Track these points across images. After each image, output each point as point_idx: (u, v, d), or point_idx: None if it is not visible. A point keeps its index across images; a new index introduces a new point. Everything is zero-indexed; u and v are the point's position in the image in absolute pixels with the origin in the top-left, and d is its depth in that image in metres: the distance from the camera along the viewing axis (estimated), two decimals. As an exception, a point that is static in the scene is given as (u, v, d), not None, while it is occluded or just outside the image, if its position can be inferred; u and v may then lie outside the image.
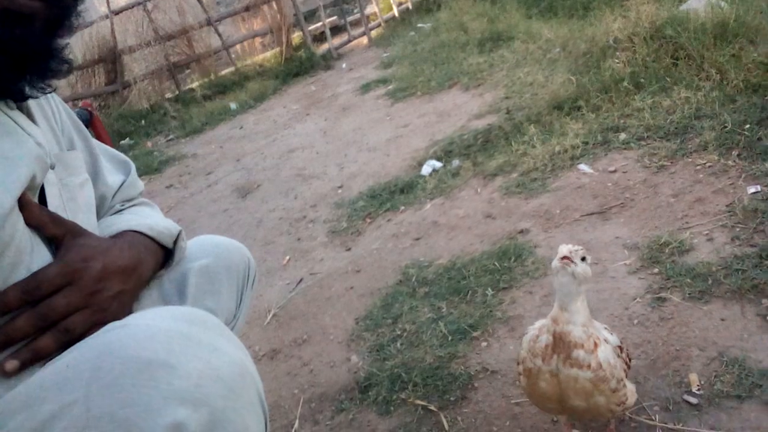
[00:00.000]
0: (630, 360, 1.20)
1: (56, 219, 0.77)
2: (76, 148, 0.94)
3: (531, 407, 1.41)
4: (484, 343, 1.68)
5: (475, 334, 1.71)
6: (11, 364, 0.68)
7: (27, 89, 0.75)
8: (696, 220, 1.87)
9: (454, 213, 2.47)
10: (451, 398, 1.52)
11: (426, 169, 3.00)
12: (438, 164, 3.00)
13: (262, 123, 5.83)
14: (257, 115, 6.31)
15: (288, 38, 7.57)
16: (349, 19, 7.65)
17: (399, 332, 1.84)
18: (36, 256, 0.73)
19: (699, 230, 1.81)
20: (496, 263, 1.99)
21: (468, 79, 4.25)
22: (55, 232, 0.76)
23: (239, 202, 3.74)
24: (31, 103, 0.82)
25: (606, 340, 1.11)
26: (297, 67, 7.26)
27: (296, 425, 1.62)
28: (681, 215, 1.92)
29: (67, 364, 0.62)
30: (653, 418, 1.28)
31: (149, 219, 0.98)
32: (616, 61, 3.03)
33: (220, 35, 7.39)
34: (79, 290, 0.74)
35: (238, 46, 7.89)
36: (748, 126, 2.18)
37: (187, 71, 7.96)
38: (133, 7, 6.74)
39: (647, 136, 2.45)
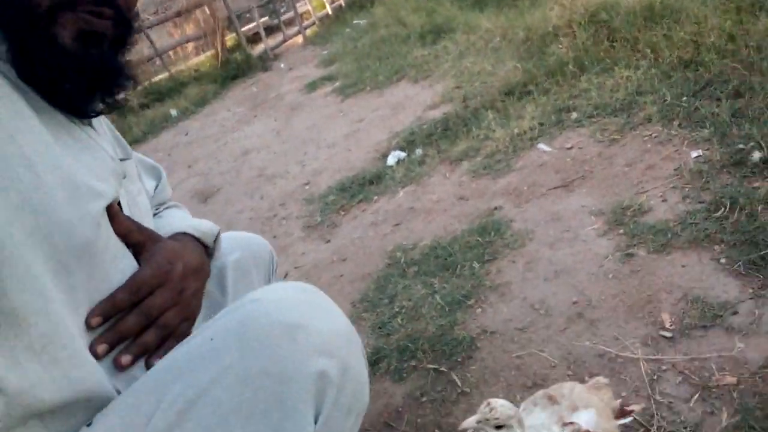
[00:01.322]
0: (630, 410, 1.11)
1: (139, 226, 0.85)
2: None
3: (531, 357, 1.59)
4: (479, 310, 1.85)
5: (469, 302, 1.88)
6: (126, 359, 0.75)
7: (98, 106, 0.80)
8: (650, 184, 2.10)
9: (428, 198, 2.63)
10: (458, 359, 1.67)
11: (391, 160, 3.13)
12: (402, 154, 3.15)
13: (208, 128, 5.79)
14: (201, 120, 6.25)
15: (222, 41, 7.51)
16: (283, 18, 7.67)
17: (398, 309, 1.97)
18: (126, 259, 0.81)
19: (654, 193, 2.05)
20: (478, 238, 2.16)
21: (415, 71, 4.41)
22: (139, 239, 0.83)
23: (201, 207, 3.75)
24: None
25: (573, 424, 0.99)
26: (234, 69, 7.22)
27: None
28: (636, 181, 2.15)
29: (211, 338, 0.71)
30: (636, 352, 1.48)
31: (191, 221, 1.05)
32: (559, 46, 3.27)
33: (152, 42, 7.25)
34: (170, 290, 0.82)
35: (171, 52, 7.75)
36: (685, 98, 2.45)
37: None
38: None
39: (596, 114, 2.69)
